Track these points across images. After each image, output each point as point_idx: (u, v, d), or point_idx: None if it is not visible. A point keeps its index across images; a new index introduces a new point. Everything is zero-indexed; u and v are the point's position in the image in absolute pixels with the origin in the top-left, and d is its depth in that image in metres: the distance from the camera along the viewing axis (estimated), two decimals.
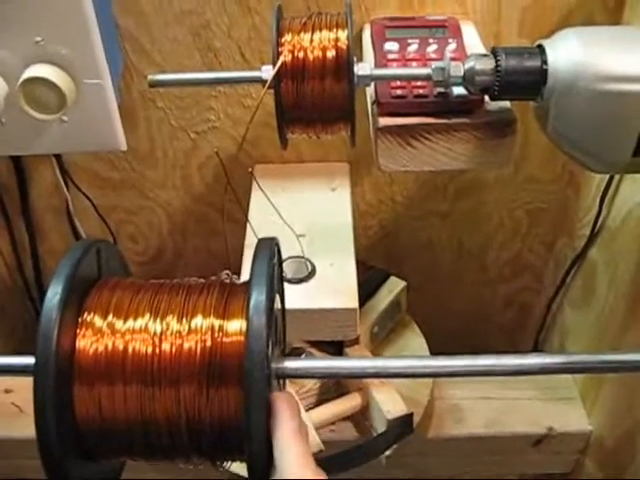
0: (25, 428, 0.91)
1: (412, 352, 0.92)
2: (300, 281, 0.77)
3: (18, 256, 1.04)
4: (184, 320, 0.50)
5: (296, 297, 0.74)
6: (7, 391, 0.97)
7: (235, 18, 0.82)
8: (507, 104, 0.66)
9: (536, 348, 1.12)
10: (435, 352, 0.95)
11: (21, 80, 0.69)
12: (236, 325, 0.50)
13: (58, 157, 0.92)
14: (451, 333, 1.06)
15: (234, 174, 0.90)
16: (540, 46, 0.61)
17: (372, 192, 0.98)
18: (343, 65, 0.59)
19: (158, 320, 0.50)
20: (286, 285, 0.76)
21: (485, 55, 0.61)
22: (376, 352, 0.90)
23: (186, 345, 0.49)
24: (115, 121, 0.76)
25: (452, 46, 0.70)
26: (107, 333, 0.50)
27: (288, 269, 0.78)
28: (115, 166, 0.95)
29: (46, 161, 0.93)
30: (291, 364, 0.54)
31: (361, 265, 0.88)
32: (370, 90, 0.68)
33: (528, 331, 1.14)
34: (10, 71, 0.70)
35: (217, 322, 0.50)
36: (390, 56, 0.69)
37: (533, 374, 0.61)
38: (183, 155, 0.94)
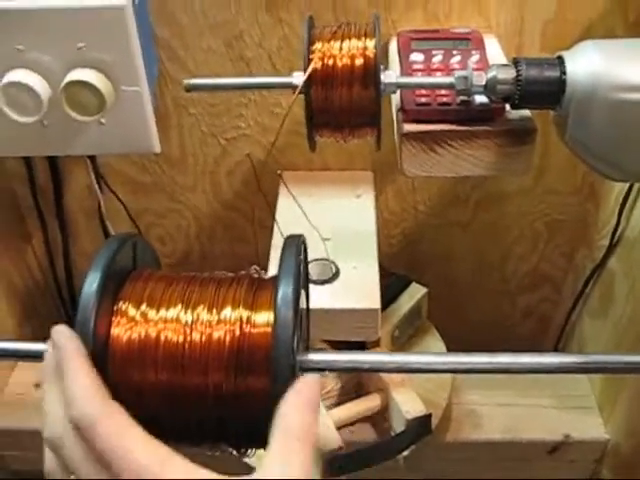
0: None
1: None
2: (324, 282, 0.79)
3: (51, 257, 1.07)
4: (214, 311, 0.52)
5: (320, 297, 0.77)
6: (37, 385, 1.00)
7: (266, 29, 0.85)
8: (527, 113, 0.68)
9: None
10: None
11: (64, 83, 0.72)
12: (264, 317, 0.51)
13: (93, 160, 0.96)
14: (470, 342, 1.06)
15: (262, 180, 0.94)
16: (560, 57, 0.63)
17: (395, 200, 1.01)
18: (370, 72, 0.62)
19: (189, 310, 0.52)
20: (311, 286, 0.78)
21: (506, 65, 0.64)
22: None
23: (215, 335, 0.51)
24: (150, 124, 0.79)
25: (475, 57, 0.72)
26: (140, 322, 0.52)
27: (313, 271, 0.80)
28: (147, 170, 0.98)
29: (81, 164, 0.97)
30: (314, 357, 0.56)
31: (383, 271, 0.90)
32: (396, 98, 0.70)
33: (547, 342, 1.15)
34: (53, 75, 0.73)
35: (245, 313, 0.52)
36: (415, 66, 0.72)
37: (550, 372, 0.62)
38: (213, 161, 0.97)
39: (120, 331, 0.53)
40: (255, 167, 0.82)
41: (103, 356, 0.51)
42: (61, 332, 0.45)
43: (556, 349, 1.13)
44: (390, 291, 0.93)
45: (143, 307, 0.54)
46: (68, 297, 1.11)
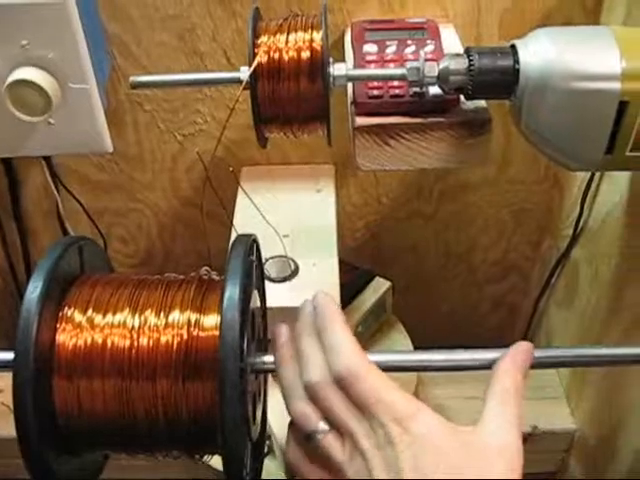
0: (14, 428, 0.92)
1: None
2: (283, 280, 0.78)
3: (10, 259, 1.05)
4: (162, 314, 0.51)
5: (279, 295, 0.76)
6: (1, 391, 0.98)
7: (220, 22, 0.83)
8: (483, 103, 0.67)
9: None
10: None
11: (7, 82, 0.70)
12: (212, 320, 0.51)
13: (48, 160, 0.93)
14: (438, 335, 1.07)
15: (220, 176, 0.92)
16: (513, 46, 0.62)
17: (358, 194, 0.99)
18: (317, 65, 0.60)
19: (137, 315, 0.51)
20: (269, 284, 0.77)
21: (459, 55, 0.63)
22: None
23: (163, 339, 0.50)
24: (101, 123, 0.77)
25: (430, 47, 0.71)
26: (86, 328, 0.51)
27: (271, 268, 0.79)
28: (104, 169, 0.96)
29: (36, 164, 0.94)
30: (269, 359, 0.55)
31: (346, 265, 0.89)
32: (349, 90, 0.69)
33: (516, 332, 1.15)
34: None
35: (194, 316, 0.51)
36: (368, 57, 0.70)
37: None
38: (171, 158, 0.95)
39: (65, 338, 0.52)
40: (211, 165, 0.80)
41: (48, 363, 0.50)
42: (322, 294, 0.49)
43: (525, 338, 1.12)
44: (353, 286, 0.92)
45: (89, 312, 0.53)
46: None
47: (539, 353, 0.61)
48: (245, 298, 0.50)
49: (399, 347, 0.94)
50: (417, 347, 0.97)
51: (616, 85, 0.58)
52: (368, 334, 0.93)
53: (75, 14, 0.70)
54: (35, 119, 0.72)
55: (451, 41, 0.77)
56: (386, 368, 0.61)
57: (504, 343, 1.17)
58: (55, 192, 0.96)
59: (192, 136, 0.93)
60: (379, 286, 0.93)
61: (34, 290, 0.51)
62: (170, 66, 0.86)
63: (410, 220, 1.03)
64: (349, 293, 0.90)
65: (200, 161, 0.93)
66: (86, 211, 0.99)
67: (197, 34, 0.84)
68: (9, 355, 0.52)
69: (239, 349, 0.48)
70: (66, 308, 0.54)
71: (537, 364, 0.61)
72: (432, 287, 1.11)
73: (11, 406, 0.99)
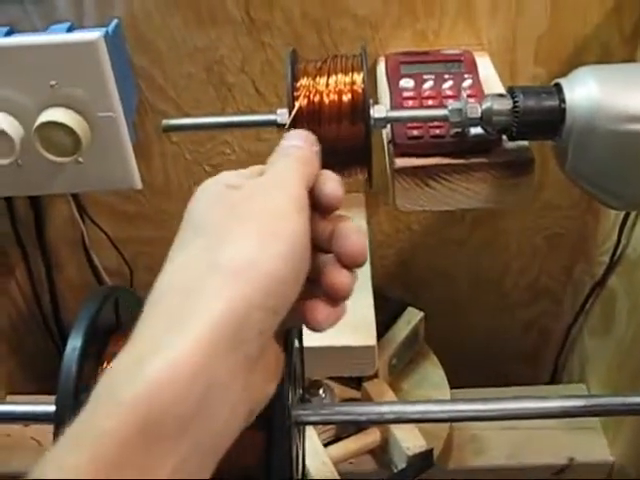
0: None
1: (431, 383, 0.92)
2: None
3: (35, 289, 1.04)
4: None
5: (315, 335, 0.74)
6: (26, 424, 0.97)
7: (248, 53, 0.82)
8: (525, 143, 0.65)
9: (555, 374, 1.11)
10: (454, 380, 0.95)
11: (36, 124, 0.69)
12: None
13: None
14: (470, 359, 1.05)
15: None
16: (557, 85, 0.60)
17: (388, 221, 0.98)
18: (359, 109, 0.58)
19: None
20: None
21: (502, 95, 0.61)
22: (394, 384, 0.89)
23: None
24: (130, 160, 0.76)
25: (468, 82, 0.69)
26: None
27: None
28: (130, 199, 0.95)
29: (62, 195, 0.93)
30: (310, 410, 0.54)
31: (378, 296, 0.87)
32: (386, 129, 0.67)
33: (548, 356, 1.13)
34: (26, 115, 0.70)
35: None
36: (405, 94, 0.68)
37: (554, 417, 0.61)
38: None
39: None
40: None
41: None
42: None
43: (556, 365, 1.10)
44: (386, 317, 0.90)
45: None
46: (55, 329, 1.08)
47: (586, 401, 0.60)
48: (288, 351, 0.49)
49: (433, 378, 0.93)
50: (449, 371, 0.95)
51: None
52: (401, 366, 0.92)
53: (105, 52, 0.69)
54: (65, 159, 0.71)
55: (487, 72, 0.75)
56: (425, 419, 0.60)
57: (537, 368, 1.14)
58: (80, 222, 0.95)
59: (220, 166, 0.91)
60: (412, 317, 0.92)
61: (73, 351, 0.53)
62: (198, 98, 0.84)
63: (442, 247, 1.01)
64: (382, 324, 0.88)
65: None
66: (112, 241, 0.97)
67: (225, 65, 0.82)
68: (50, 408, 0.52)
69: (287, 410, 0.47)
70: (105, 363, 0.55)
71: (583, 412, 0.60)
72: (463, 312, 1.09)
73: (40, 440, 0.98)
